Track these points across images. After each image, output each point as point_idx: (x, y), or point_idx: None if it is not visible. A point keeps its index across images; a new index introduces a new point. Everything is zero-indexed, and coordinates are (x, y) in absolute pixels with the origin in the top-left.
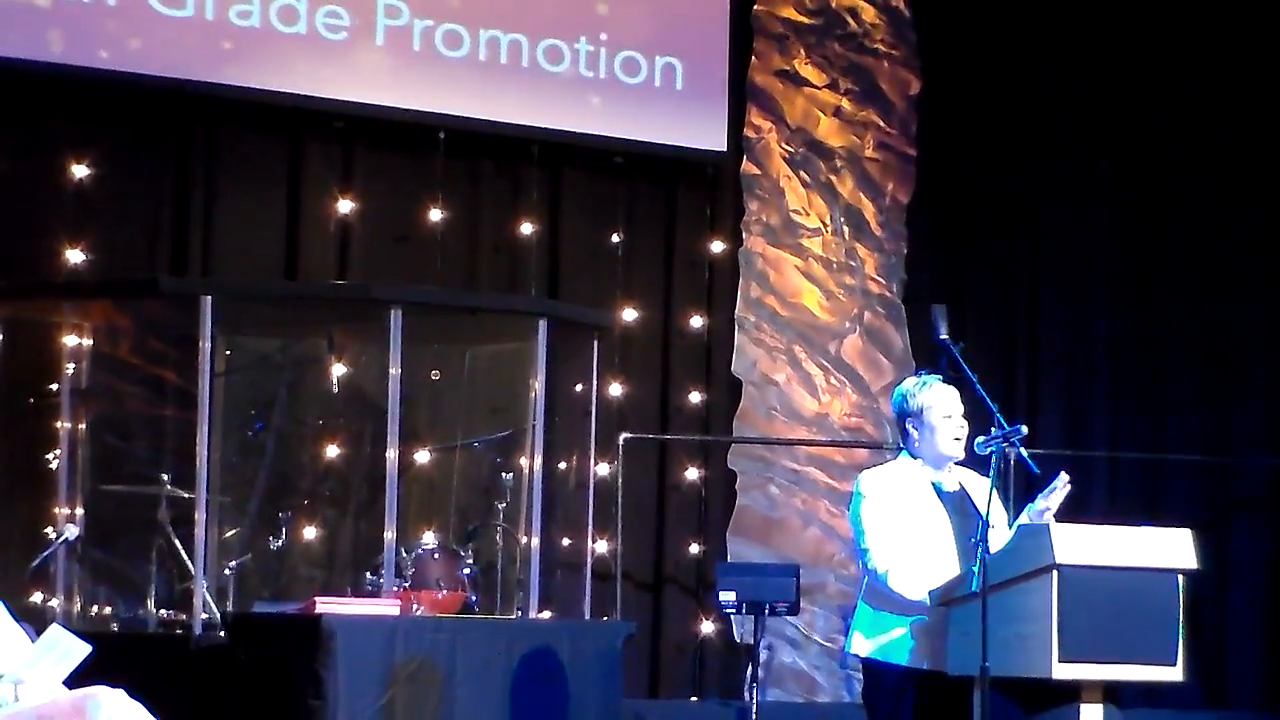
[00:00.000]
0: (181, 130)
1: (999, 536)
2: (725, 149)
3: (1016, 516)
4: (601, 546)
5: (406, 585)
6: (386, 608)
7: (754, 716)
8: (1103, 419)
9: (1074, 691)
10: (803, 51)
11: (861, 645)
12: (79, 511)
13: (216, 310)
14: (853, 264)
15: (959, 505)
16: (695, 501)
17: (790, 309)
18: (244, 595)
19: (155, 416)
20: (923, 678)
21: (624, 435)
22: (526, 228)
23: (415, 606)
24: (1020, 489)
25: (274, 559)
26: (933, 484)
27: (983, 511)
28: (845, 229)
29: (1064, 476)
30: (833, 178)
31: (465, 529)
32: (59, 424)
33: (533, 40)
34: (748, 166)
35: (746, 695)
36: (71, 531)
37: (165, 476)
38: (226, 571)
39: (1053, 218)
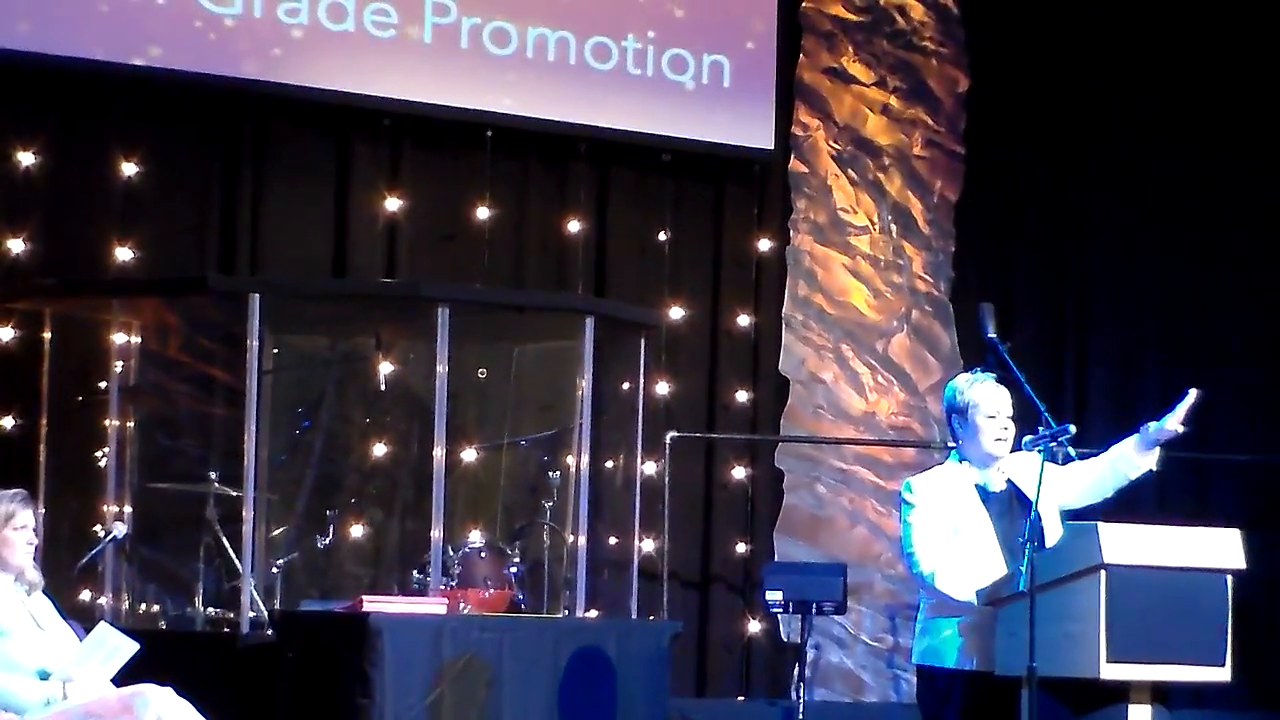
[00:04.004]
0: (230, 128)
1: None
2: (773, 147)
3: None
4: (648, 545)
5: (453, 584)
6: (433, 606)
7: (801, 716)
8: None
9: (1122, 692)
10: (851, 49)
11: (915, 650)
12: (127, 509)
13: (264, 308)
14: (900, 262)
15: (1006, 506)
16: (742, 500)
17: (838, 307)
18: (291, 593)
19: (203, 414)
20: (970, 678)
21: (671, 434)
22: (574, 225)
23: (462, 605)
24: None
25: (321, 557)
26: (977, 486)
27: (1034, 505)
28: (893, 227)
29: (1193, 391)
30: (880, 176)
31: (512, 527)
32: (107, 422)
33: (580, 38)
34: (795, 164)
35: (793, 695)
36: (120, 529)
37: (213, 474)
38: (274, 570)
39: (1101, 216)
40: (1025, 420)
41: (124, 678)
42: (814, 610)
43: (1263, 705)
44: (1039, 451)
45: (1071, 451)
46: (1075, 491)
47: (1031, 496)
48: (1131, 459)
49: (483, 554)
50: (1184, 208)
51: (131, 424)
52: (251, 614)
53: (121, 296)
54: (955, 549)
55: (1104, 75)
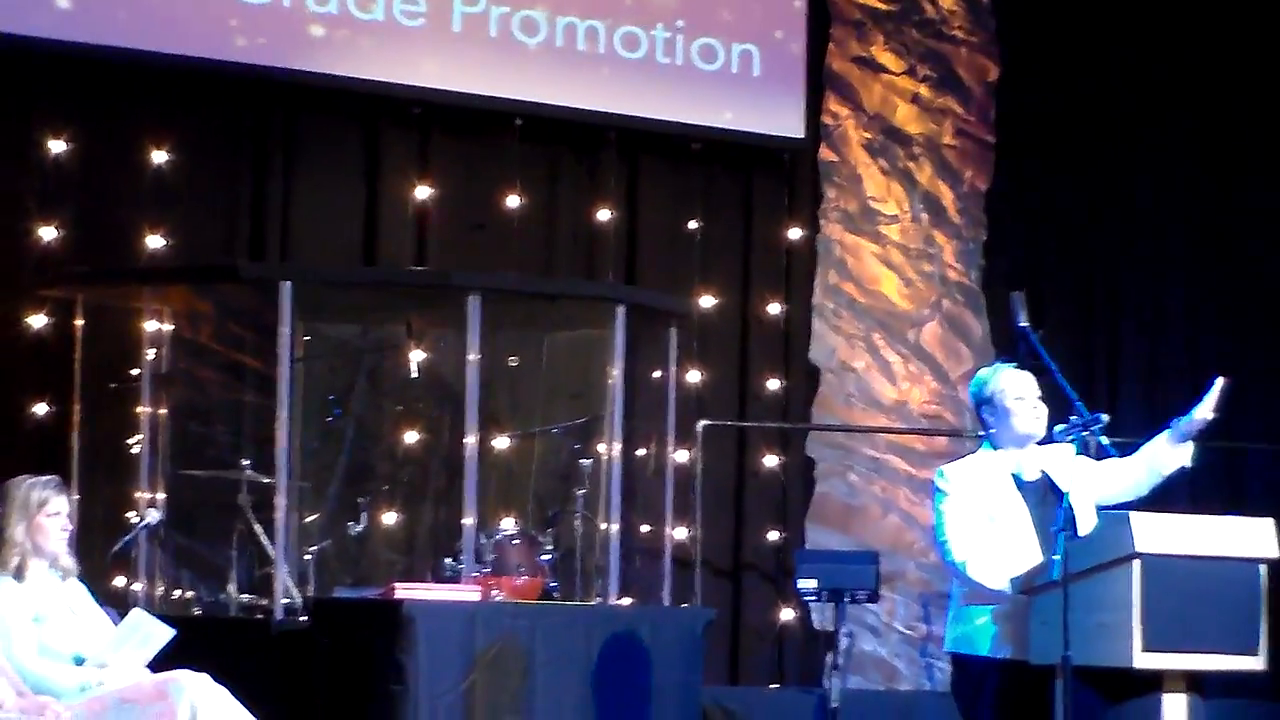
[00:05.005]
0: (260, 117)
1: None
2: (803, 136)
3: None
4: (681, 533)
5: (486, 571)
6: (466, 593)
7: (834, 704)
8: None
9: (1156, 681)
10: (881, 38)
11: (948, 638)
12: (160, 496)
13: (296, 296)
14: (931, 251)
15: (1040, 495)
16: (774, 488)
17: (869, 296)
18: (324, 580)
19: (235, 402)
20: (1004, 666)
21: (702, 422)
22: (604, 214)
23: (495, 592)
24: None
25: (354, 544)
26: (1012, 475)
27: (1066, 494)
28: (924, 216)
29: (1220, 381)
30: (911, 164)
31: (545, 515)
32: (140, 409)
33: (610, 27)
34: (825, 153)
35: (826, 683)
36: (153, 516)
37: (246, 461)
38: (307, 557)
39: (1132, 204)
40: (1058, 409)
41: (159, 664)
42: (847, 598)
43: None
44: (1071, 441)
45: (1104, 440)
46: (1113, 490)
47: (1065, 487)
48: (1166, 455)
49: (515, 541)
50: (1215, 194)
51: (164, 411)
52: (285, 601)
53: (153, 284)
54: (990, 537)
55: (1133, 62)
